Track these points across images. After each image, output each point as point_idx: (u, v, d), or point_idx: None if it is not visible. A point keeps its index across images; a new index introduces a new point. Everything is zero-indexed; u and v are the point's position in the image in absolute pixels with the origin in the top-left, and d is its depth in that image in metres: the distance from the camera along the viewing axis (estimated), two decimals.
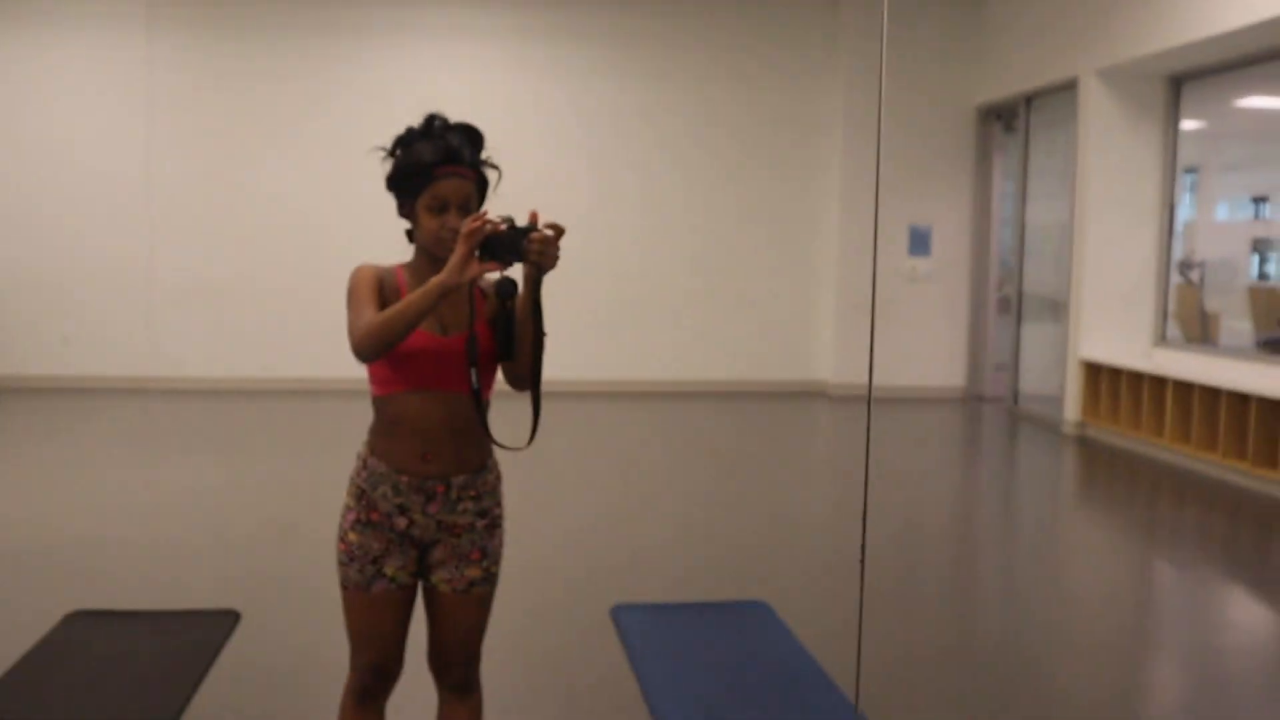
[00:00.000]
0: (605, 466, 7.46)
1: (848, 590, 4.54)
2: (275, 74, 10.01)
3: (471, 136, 2.38)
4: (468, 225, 2.13)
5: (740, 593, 4.61)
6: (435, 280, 2.15)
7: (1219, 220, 9.28)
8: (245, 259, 10.05)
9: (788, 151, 10.54)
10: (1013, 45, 9.74)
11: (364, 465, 2.39)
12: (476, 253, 2.15)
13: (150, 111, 9.89)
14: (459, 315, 2.35)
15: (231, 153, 10.02)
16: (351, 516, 2.39)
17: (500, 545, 2.46)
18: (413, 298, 2.17)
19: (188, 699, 3.44)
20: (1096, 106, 8.49)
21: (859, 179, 10.12)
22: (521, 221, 2.19)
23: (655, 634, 4.07)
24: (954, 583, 5.23)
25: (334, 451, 6.77)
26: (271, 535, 5.46)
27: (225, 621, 4.10)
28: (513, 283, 2.29)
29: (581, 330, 10.09)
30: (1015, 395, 9.90)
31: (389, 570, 2.36)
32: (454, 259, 2.13)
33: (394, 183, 2.37)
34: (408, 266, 2.40)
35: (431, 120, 2.37)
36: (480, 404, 2.34)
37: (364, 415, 2.48)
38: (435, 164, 2.31)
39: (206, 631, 3.99)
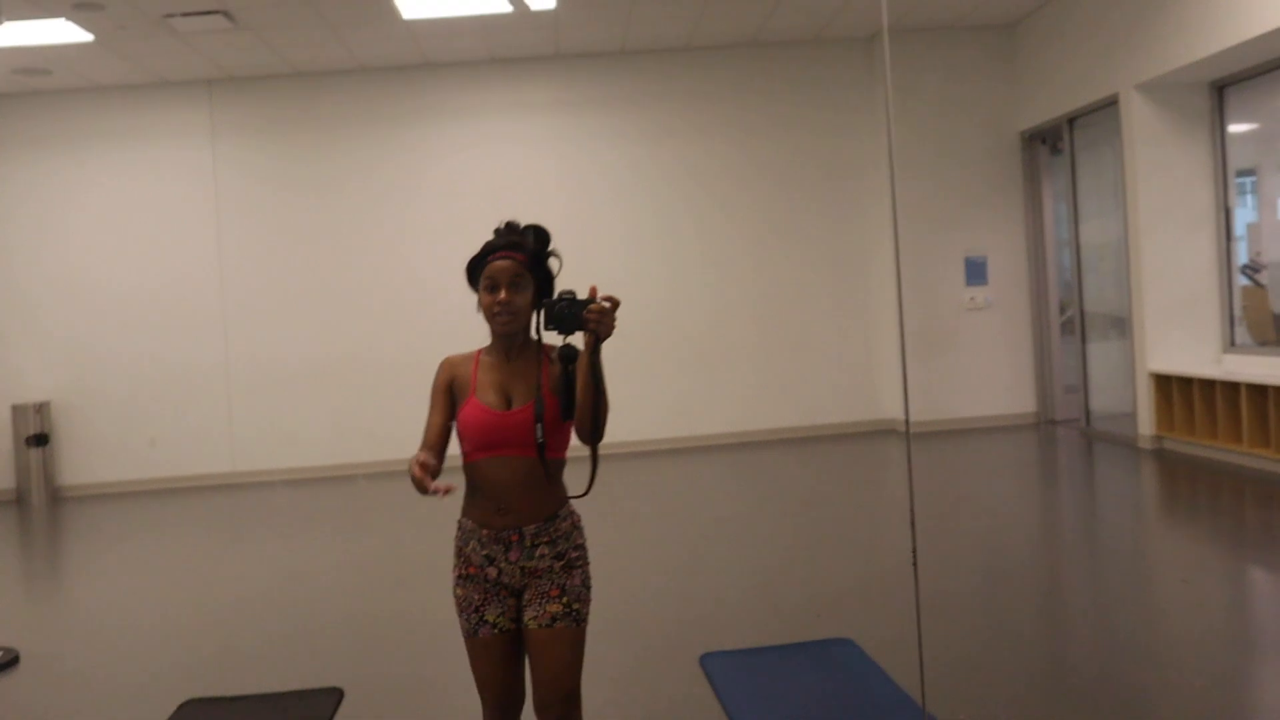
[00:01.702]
0: (686, 519, 7.55)
1: (936, 624, 4.59)
2: (336, 167, 10.40)
3: (536, 232, 2.74)
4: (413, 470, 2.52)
5: (827, 634, 4.66)
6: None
7: None
8: (320, 350, 10.37)
9: (836, 194, 10.66)
10: (1050, 68, 9.81)
11: (459, 527, 2.76)
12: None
13: (219, 214, 10.32)
14: (523, 388, 2.68)
15: (298, 247, 10.40)
16: (455, 573, 2.75)
17: (581, 585, 2.72)
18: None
19: None
20: (1140, 120, 8.52)
21: (909, 215, 10.23)
22: (582, 295, 2.56)
23: (745, 678, 4.15)
24: (1045, 606, 5.22)
25: (420, 529, 6.94)
26: (368, 614, 5.62)
27: (330, 699, 4.25)
28: (574, 350, 2.62)
29: (651, 390, 10.25)
30: (1088, 415, 9.83)
31: (490, 617, 2.70)
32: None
33: (469, 277, 2.75)
34: (487, 349, 2.78)
35: (505, 226, 2.75)
36: (545, 460, 2.65)
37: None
38: (488, 251, 2.70)
39: (312, 710, 4.14)
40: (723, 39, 10.25)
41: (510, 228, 2.73)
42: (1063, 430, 10.06)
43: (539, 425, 2.61)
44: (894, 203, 3.09)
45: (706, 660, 4.37)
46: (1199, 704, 3.78)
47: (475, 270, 2.72)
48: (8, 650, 5.17)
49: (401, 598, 5.82)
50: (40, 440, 10.04)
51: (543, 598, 2.67)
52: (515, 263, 2.66)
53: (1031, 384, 10.55)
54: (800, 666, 4.27)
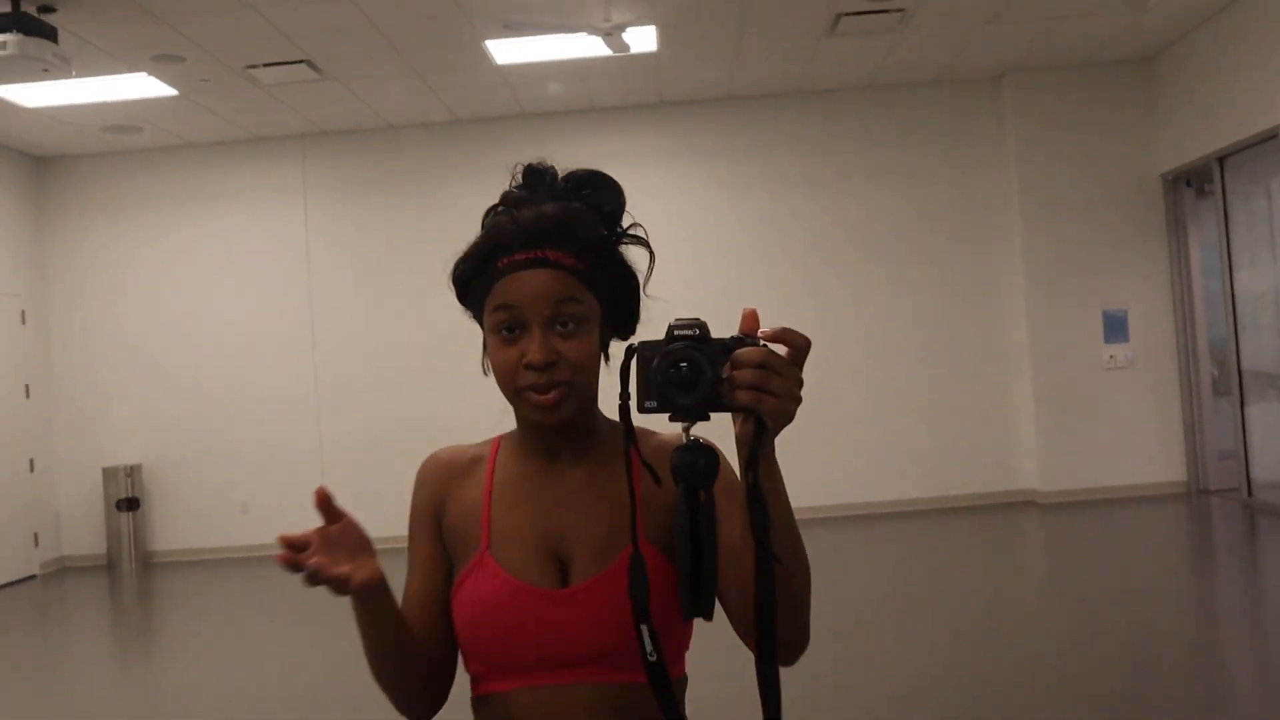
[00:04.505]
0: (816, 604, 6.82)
1: None
2: (428, 222, 10.05)
3: (596, 184, 1.37)
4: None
5: None
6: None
7: None
8: (416, 412, 9.92)
9: (961, 247, 9.88)
10: (1194, 103, 8.97)
11: None
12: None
13: (310, 274, 10.04)
14: (596, 529, 1.30)
15: (391, 305, 10.03)
16: None
17: None
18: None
19: None
20: None
21: (1042, 271, 9.45)
22: (722, 331, 1.23)
23: None
24: (1219, 709, 4.40)
25: None
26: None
27: None
28: (713, 457, 1.23)
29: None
30: (1249, 484, 8.82)
31: None
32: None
33: (458, 296, 1.43)
34: (510, 436, 1.45)
35: (526, 175, 1.41)
36: (666, 687, 1.23)
37: None
38: (496, 250, 1.32)
39: None
40: (835, 82, 9.64)
41: (533, 176, 1.38)
42: (1219, 501, 9.05)
43: (645, 628, 1.21)
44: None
45: None
46: None
47: (467, 289, 1.40)
48: None
49: None
50: (131, 504, 9.80)
51: None
52: (554, 272, 1.31)
53: (1181, 450, 9.55)
54: None
